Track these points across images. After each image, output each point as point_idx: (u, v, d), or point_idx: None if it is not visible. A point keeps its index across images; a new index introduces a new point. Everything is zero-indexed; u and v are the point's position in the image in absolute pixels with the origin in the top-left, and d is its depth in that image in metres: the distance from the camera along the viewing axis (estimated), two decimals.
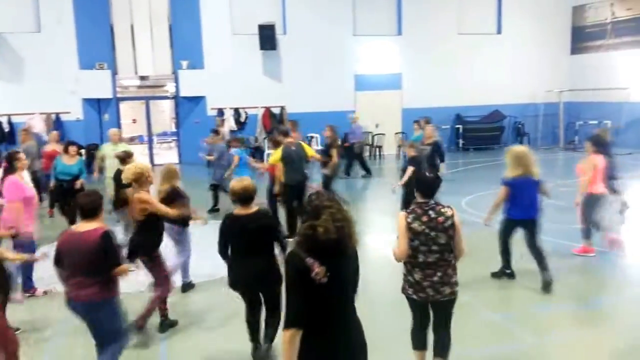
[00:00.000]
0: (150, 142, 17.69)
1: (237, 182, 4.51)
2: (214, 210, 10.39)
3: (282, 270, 3.99)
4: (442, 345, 4.12)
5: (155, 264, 5.17)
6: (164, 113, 20.20)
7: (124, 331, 4.17)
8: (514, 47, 19.23)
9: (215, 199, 10.53)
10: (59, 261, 3.96)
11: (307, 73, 17.37)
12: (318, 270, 2.68)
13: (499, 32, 19.48)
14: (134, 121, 20.45)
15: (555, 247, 7.70)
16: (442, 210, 3.92)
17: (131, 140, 19.86)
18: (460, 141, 18.98)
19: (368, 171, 14.16)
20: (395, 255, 3.98)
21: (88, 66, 15.94)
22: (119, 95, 16.97)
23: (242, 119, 17.21)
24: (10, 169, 6.04)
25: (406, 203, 8.05)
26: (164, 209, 5.16)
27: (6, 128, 15.52)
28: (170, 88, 17.66)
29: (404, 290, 4.05)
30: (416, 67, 18.39)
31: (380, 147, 18.04)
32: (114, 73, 16.38)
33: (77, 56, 15.90)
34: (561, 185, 9.94)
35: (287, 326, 2.71)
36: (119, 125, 17.06)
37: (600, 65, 18.84)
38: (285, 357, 2.74)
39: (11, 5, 15.48)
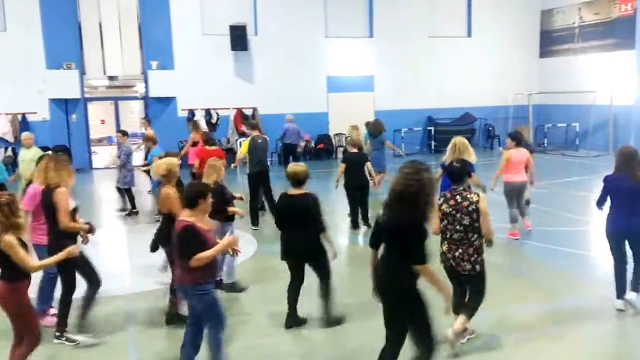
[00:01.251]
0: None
1: (292, 166, 5.31)
2: (133, 213, 10.25)
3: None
4: (466, 306, 4.75)
5: None
6: (133, 114, 19.92)
7: None
8: (484, 50, 19.48)
9: (132, 201, 10.34)
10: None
11: (279, 74, 17.30)
12: None
13: (469, 35, 19.70)
14: (103, 122, 20.13)
15: (533, 249, 7.81)
16: (469, 196, 4.61)
17: (99, 141, 19.56)
18: (432, 143, 19.12)
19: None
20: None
21: (55, 66, 15.67)
22: (87, 96, 16.71)
23: (214, 120, 17.08)
24: None
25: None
26: (176, 209, 5.00)
27: None
28: (139, 88, 17.44)
29: (440, 261, 4.74)
30: (388, 69, 18.48)
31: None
32: (82, 73, 16.11)
33: (44, 56, 15.60)
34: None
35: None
36: (87, 126, 16.83)
37: (568, 68, 19.20)
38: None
39: None
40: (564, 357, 4.79)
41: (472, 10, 19.55)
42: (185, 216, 4.15)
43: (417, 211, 3.55)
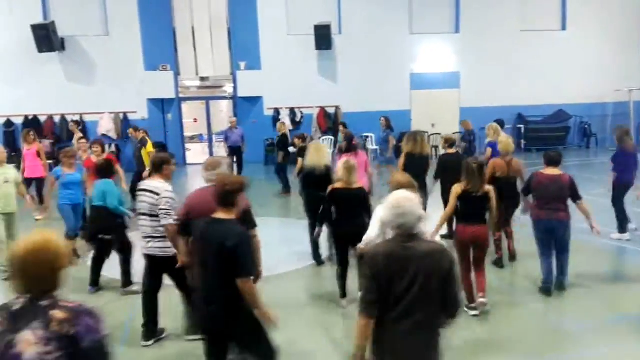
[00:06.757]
0: (210, 140, 18.28)
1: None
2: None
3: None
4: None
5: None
6: (222, 113, 20.78)
7: None
8: (580, 43, 18.37)
9: None
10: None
11: (362, 72, 17.36)
12: None
13: (563, 28, 18.66)
14: (195, 120, 21.16)
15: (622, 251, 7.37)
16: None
17: (191, 139, 20.55)
18: (522, 142, 18.32)
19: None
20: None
21: (152, 68, 16.66)
22: (181, 96, 17.62)
23: (298, 119, 17.45)
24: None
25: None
26: (523, 174, 6.90)
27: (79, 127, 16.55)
28: (228, 89, 18.16)
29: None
30: (475, 65, 17.95)
31: (436, 147, 17.71)
32: (177, 74, 17.04)
33: (143, 58, 16.67)
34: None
35: None
36: (181, 125, 17.74)
37: None
38: None
39: (82, 10, 16.44)
40: None
41: (567, 2, 18.50)
42: (555, 172, 5.82)
43: None
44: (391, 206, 2.84)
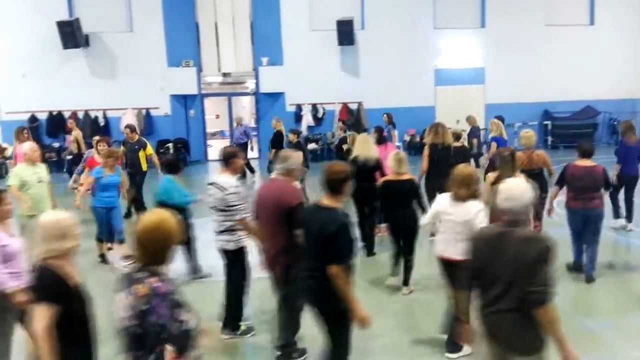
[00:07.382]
0: (232, 136, 18.23)
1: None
2: None
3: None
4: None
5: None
6: (244, 109, 20.77)
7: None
8: (609, 38, 17.92)
9: None
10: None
11: (385, 68, 17.14)
12: None
13: (591, 23, 18.23)
14: (217, 117, 21.18)
15: None
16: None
17: (213, 135, 20.52)
18: (549, 138, 17.97)
19: (252, 171, 13.91)
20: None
21: (175, 64, 16.68)
22: (203, 92, 17.61)
23: (320, 115, 17.33)
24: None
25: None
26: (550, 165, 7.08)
27: (101, 122, 16.64)
28: (250, 85, 18.11)
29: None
30: (500, 60, 17.63)
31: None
32: (199, 70, 17.02)
33: (166, 54, 16.67)
34: None
35: None
36: (203, 121, 17.73)
37: None
38: None
39: (106, 6, 16.51)
40: None
41: None
42: (588, 163, 6.06)
43: None
44: (501, 190, 2.99)
